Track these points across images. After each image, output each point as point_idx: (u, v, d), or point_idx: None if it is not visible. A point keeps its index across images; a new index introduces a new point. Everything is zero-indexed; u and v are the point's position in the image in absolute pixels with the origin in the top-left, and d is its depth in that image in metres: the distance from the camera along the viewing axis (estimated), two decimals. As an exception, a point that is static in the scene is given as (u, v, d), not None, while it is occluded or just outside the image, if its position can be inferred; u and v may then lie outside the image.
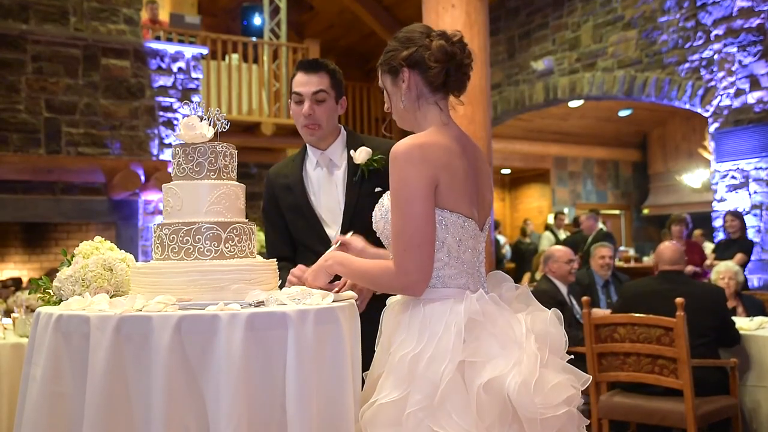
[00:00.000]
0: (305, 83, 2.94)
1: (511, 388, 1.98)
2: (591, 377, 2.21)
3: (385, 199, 2.31)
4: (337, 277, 2.52)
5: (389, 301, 2.38)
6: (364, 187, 2.91)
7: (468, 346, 2.05)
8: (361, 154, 2.90)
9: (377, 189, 2.80)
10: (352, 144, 3.00)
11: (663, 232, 12.78)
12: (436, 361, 2.03)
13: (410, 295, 2.19)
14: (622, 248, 14.10)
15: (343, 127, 3.09)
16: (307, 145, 3.08)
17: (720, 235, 8.98)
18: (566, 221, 13.84)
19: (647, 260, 12.18)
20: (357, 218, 2.84)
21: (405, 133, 2.29)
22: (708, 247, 9.74)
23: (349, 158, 2.95)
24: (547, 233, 13.21)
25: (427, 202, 2.12)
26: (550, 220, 14.17)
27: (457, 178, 2.18)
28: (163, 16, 11.22)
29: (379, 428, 2.07)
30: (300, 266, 2.58)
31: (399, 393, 2.05)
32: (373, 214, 2.37)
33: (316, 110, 2.92)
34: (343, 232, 2.88)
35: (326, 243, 2.89)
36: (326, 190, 3.00)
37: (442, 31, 2.27)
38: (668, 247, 5.00)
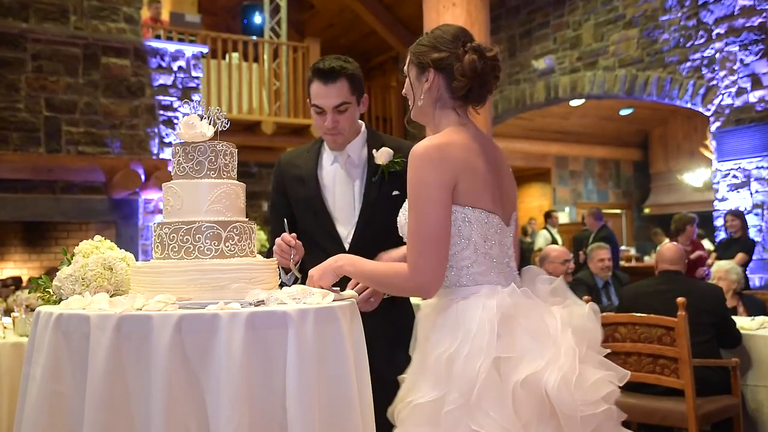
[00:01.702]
0: (324, 95, 2.80)
1: (550, 385, 1.95)
2: (629, 373, 2.16)
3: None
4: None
5: (422, 304, 2.34)
6: (383, 188, 2.83)
7: (502, 342, 2.02)
8: (383, 155, 2.81)
9: (395, 192, 2.75)
10: (372, 142, 2.91)
11: (654, 232, 12.76)
12: (472, 359, 2.00)
13: (422, 296, 2.17)
14: (623, 248, 14.07)
15: (364, 125, 2.99)
16: (324, 144, 2.99)
17: (721, 235, 8.96)
18: (560, 220, 13.78)
19: (648, 260, 12.16)
20: (372, 219, 2.81)
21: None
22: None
23: (369, 157, 2.86)
24: (544, 231, 13.12)
25: (443, 204, 2.11)
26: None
27: (477, 175, 2.17)
28: (164, 14, 11.21)
29: (416, 427, 2.05)
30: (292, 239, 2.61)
31: (437, 393, 2.02)
32: (398, 219, 2.35)
33: (339, 121, 2.82)
34: (357, 231, 2.85)
35: (336, 240, 2.85)
36: (341, 187, 2.91)
37: (477, 44, 2.24)
38: (669, 248, 5.02)
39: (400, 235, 2.35)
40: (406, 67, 2.36)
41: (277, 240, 2.66)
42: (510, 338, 2.04)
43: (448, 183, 2.11)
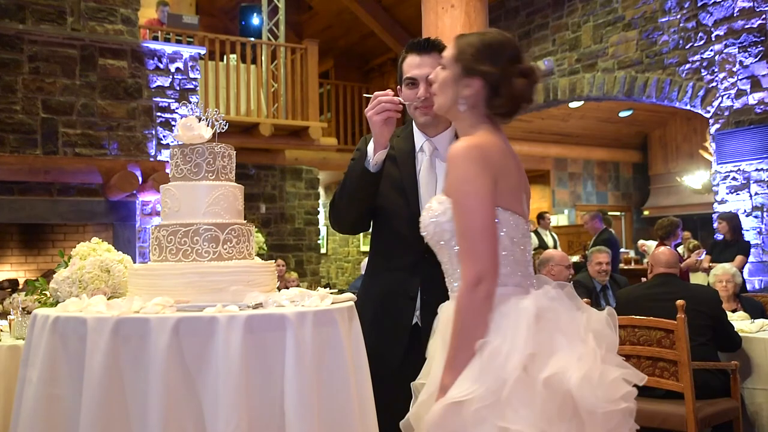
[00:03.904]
0: (419, 65, 2.79)
1: (573, 383, 1.97)
2: (646, 376, 2.20)
3: (434, 203, 2.28)
4: None
5: (445, 306, 2.32)
6: None
7: (536, 341, 2.05)
8: None
9: None
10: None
11: (660, 229, 12.69)
12: (508, 357, 2.01)
13: (486, 289, 2.09)
14: (622, 250, 14.04)
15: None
16: (414, 127, 2.92)
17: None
18: (559, 222, 13.54)
19: (646, 262, 12.12)
20: None
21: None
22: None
23: None
24: (532, 236, 12.74)
25: (489, 199, 2.12)
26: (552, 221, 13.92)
27: (511, 177, 2.20)
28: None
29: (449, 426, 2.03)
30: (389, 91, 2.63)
31: (476, 387, 2.00)
32: (422, 219, 2.32)
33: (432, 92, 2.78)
34: None
35: (415, 225, 2.70)
36: (425, 179, 2.84)
37: (527, 67, 2.25)
38: (664, 251, 5.05)
39: (431, 240, 2.30)
40: (442, 58, 2.33)
41: (379, 98, 2.65)
42: (544, 337, 2.07)
43: (491, 180, 2.13)
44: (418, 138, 2.90)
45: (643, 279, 6.90)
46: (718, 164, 9.18)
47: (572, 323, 2.13)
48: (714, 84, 9.31)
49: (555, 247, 12.05)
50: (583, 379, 1.98)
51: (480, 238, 2.10)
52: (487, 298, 2.09)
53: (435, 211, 2.25)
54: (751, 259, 8.41)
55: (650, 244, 10.95)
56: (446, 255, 2.26)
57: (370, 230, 3.00)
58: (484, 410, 1.97)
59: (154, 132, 8.72)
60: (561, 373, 1.99)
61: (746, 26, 8.88)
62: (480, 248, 2.09)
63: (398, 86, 2.91)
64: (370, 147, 2.72)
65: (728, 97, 9.07)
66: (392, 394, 2.49)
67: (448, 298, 2.37)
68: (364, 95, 2.63)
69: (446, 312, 2.27)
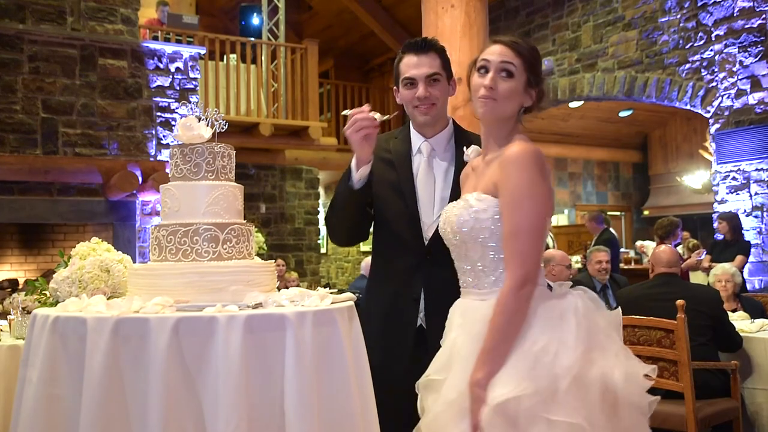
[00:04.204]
0: (417, 65, 2.76)
1: (617, 378, 2.07)
2: (656, 371, 2.32)
3: (472, 200, 2.28)
4: None
5: (467, 306, 2.30)
6: None
7: (585, 339, 2.12)
8: (474, 154, 2.68)
9: None
10: (460, 139, 2.83)
11: (659, 229, 12.66)
12: (559, 355, 2.07)
13: (530, 292, 2.15)
14: (622, 250, 14.01)
15: (452, 120, 2.91)
16: (411, 128, 2.89)
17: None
18: (559, 222, 13.50)
19: (647, 262, 12.10)
20: None
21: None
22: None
23: (458, 155, 2.77)
24: None
25: (546, 205, 2.21)
26: (553, 221, 13.88)
27: (550, 183, 2.29)
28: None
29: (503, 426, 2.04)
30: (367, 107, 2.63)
31: (526, 384, 2.03)
32: (457, 215, 2.29)
33: (431, 91, 2.76)
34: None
35: (416, 230, 2.75)
36: (423, 180, 2.81)
37: None
38: (665, 251, 5.04)
39: (455, 230, 2.28)
40: (508, 60, 2.27)
41: (355, 116, 2.62)
42: (590, 335, 2.14)
43: (548, 186, 2.23)
44: (416, 139, 2.87)
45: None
46: (718, 164, 9.18)
47: (605, 321, 2.22)
48: (714, 84, 9.31)
49: (553, 247, 12.06)
50: (627, 375, 2.08)
51: (533, 240, 2.17)
52: (529, 299, 2.14)
53: (474, 207, 2.25)
54: (751, 259, 8.40)
55: (648, 245, 10.96)
56: (479, 252, 2.26)
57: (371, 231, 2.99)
58: (536, 407, 2.00)
59: (154, 132, 8.72)
60: (608, 369, 2.08)
61: (746, 26, 8.88)
62: (531, 250, 2.16)
63: (395, 87, 2.89)
64: (353, 164, 2.70)
65: (728, 97, 9.07)
66: (397, 396, 2.48)
67: (451, 299, 2.36)
68: (342, 113, 2.63)
69: (471, 309, 2.26)
